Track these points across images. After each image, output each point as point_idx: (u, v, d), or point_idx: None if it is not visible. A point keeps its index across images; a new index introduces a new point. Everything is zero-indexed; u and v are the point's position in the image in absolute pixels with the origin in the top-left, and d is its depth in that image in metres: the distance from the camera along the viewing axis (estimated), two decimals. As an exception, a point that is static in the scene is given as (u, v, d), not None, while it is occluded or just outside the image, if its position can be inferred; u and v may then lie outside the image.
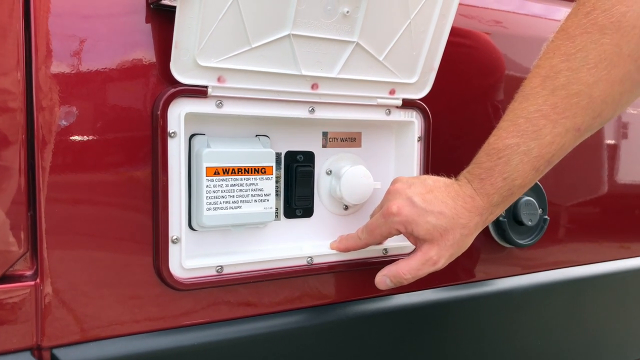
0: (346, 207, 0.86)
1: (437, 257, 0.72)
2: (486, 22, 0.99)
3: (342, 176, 0.82)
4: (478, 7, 0.99)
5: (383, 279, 0.77)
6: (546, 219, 1.00)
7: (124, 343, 0.68)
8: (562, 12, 1.12)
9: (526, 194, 0.98)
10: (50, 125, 0.63)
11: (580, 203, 1.12)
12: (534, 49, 1.03)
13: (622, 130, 1.17)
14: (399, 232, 0.75)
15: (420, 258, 0.73)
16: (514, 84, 1.00)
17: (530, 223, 0.97)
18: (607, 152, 1.15)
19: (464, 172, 0.75)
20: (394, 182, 0.78)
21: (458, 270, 0.96)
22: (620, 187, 1.17)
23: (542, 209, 1.00)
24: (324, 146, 0.83)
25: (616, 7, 0.62)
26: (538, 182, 1.00)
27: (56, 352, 0.65)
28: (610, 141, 1.15)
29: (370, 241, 0.79)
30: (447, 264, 0.74)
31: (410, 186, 0.75)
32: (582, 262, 1.12)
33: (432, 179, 0.75)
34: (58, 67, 0.64)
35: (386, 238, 0.79)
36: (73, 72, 0.64)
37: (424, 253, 0.73)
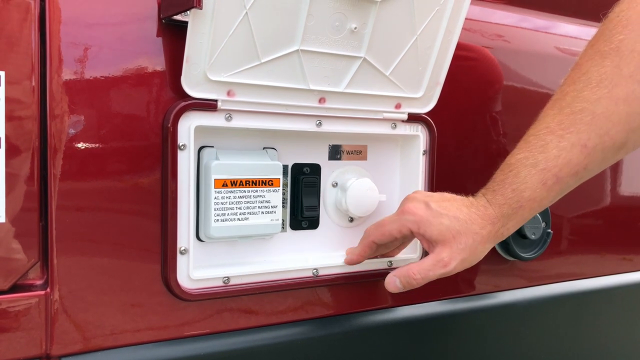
0: (351, 220, 0.87)
1: (448, 258, 0.73)
2: (489, 36, 1.00)
3: (348, 189, 0.83)
4: (480, 21, 1.00)
5: (393, 279, 0.77)
6: (549, 232, 1.01)
7: (131, 352, 0.69)
8: (562, 27, 1.14)
9: (530, 208, 0.99)
10: (63, 133, 0.64)
11: (583, 216, 1.12)
12: (535, 63, 1.04)
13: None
14: (410, 232, 0.76)
15: (432, 259, 0.74)
16: (518, 97, 1.01)
17: (533, 236, 0.98)
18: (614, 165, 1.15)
19: (481, 189, 0.77)
20: (412, 193, 0.81)
21: (462, 283, 0.97)
22: (623, 199, 1.18)
23: (546, 223, 1.00)
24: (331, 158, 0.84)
25: (615, 36, 0.69)
26: (542, 196, 1.01)
27: (65, 361, 0.65)
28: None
29: (377, 237, 0.78)
30: (458, 270, 0.74)
31: (428, 195, 0.78)
32: (586, 275, 1.12)
33: (450, 194, 0.78)
34: (72, 77, 0.65)
35: (394, 236, 0.78)
36: (86, 82, 0.66)
37: (435, 254, 0.74)
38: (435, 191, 0.88)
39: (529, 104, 1.03)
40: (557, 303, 1.07)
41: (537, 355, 1.05)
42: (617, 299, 1.15)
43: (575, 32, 1.15)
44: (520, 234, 0.97)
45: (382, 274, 0.85)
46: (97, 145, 0.67)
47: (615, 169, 1.16)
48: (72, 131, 0.65)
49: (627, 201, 1.19)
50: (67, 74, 0.65)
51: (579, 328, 1.10)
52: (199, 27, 0.65)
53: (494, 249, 0.99)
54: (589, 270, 1.13)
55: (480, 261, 0.98)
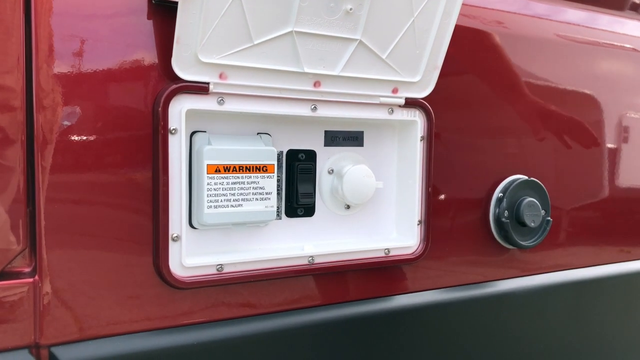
0: (348, 207, 0.85)
1: None
2: (489, 23, 0.99)
3: (344, 175, 0.81)
4: (481, 7, 0.98)
5: None
6: (549, 220, 0.99)
7: (123, 342, 0.67)
8: (566, 13, 1.12)
9: (529, 196, 0.98)
10: (50, 123, 0.63)
11: (582, 205, 1.11)
12: (537, 50, 1.03)
13: (624, 134, 1.16)
14: None
15: None
16: (519, 84, 1.00)
17: (533, 224, 0.96)
18: (609, 155, 1.14)
19: None
20: None
21: (460, 272, 0.96)
22: (621, 190, 1.16)
23: (545, 211, 0.99)
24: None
25: None
26: (541, 183, 0.99)
27: (54, 350, 0.64)
28: (612, 145, 1.14)
29: None
30: None
31: None
32: (584, 264, 1.11)
33: None
34: (58, 65, 0.63)
35: None
36: (73, 70, 0.64)
37: None
38: (432, 179, 0.87)
39: (528, 91, 1.01)
40: (556, 292, 1.05)
41: (535, 344, 1.03)
42: (616, 289, 1.14)
43: (578, 19, 1.13)
44: (519, 221, 0.96)
45: (378, 262, 0.84)
46: (86, 133, 0.65)
47: (614, 159, 1.15)
48: (62, 121, 0.63)
49: (626, 192, 1.18)
50: (54, 62, 0.63)
51: (578, 317, 1.08)
52: (190, 7, 0.63)
53: (493, 238, 0.97)
54: (587, 260, 1.12)
55: (480, 250, 0.97)
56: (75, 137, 0.64)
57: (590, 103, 1.10)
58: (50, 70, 0.63)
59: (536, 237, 0.99)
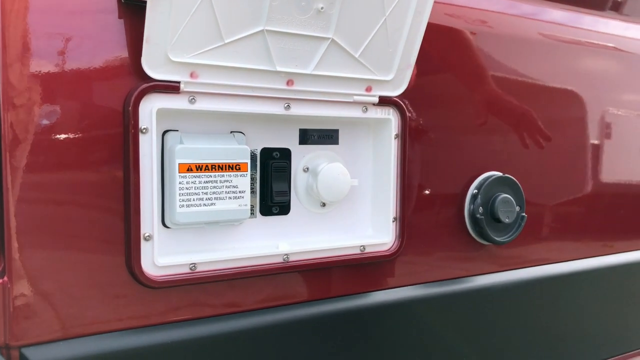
0: (323, 205, 0.86)
1: None
2: (465, 21, 0.99)
3: (319, 173, 0.82)
4: (458, 5, 0.99)
5: None
6: (523, 216, 1.01)
7: (95, 342, 0.67)
8: (547, 13, 1.13)
9: (504, 192, 0.99)
10: (20, 123, 0.62)
11: (557, 201, 1.12)
12: (516, 49, 1.04)
13: (599, 130, 1.18)
14: None
15: None
16: (494, 82, 1.01)
17: (507, 220, 0.97)
18: (584, 152, 1.16)
19: None
20: None
21: (436, 268, 0.97)
22: (596, 186, 1.18)
23: (520, 207, 1.00)
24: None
25: None
26: (515, 180, 1.00)
27: (25, 351, 0.64)
28: (587, 141, 1.16)
29: None
30: None
31: None
32: (560, 259, 1.12)
33: None
34: (28, 64, 0.63)
35: None
36: (43, 69, 0.64)
37: None
38: (406, 176, 0.87)
39: (503, 88, 1.02)
40: (532, 287, 1.07)
41: (512, 339, 1.05)
42: (592, 283, 1.16)
43: (560, 18, 1.14)
44: (494, 217, 0.97)
45: (354, 260, 0.84)
46: (56, 132, 0.64)
47: (593, 155, 1.17)
48: (33, 120, 0.63)
49: (602, 187, 1.19)
50: (23, 61, 0.62)
51: (554, 312, 1.10)
52: (159, 6, 0.63)
53: (468, 234, 0.98)
54: (563, 255, 1.13)
55: (455, 246, 0.98)
56: (45, 137, 0.64)
57: (566, 100, 1.12)
58: (19, 69, 0.62)
59: (511, 233, 1.00)
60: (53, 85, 0.64)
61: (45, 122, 0.64)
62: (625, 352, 1.24)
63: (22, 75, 0.63)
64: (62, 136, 0.65)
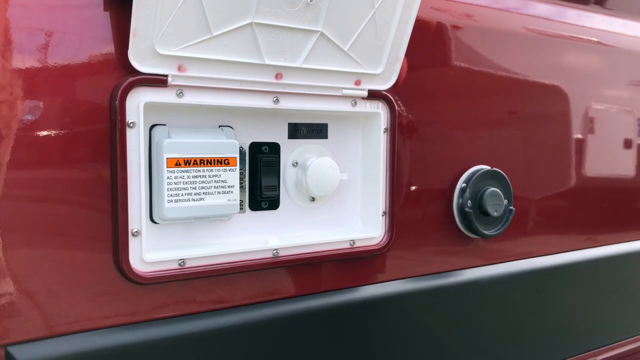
0: (313, 199, 0.85)
1: None
2: (454, 15, 0.99)
3: (309, 168, 0.81)
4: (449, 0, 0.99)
5: None
6: (512, 209, 1.01)
7: (82, 339, 0.66)
8: (534, 7, 1.13)
9: (492, 185, 0.99)
10: (1, 119, 0.61)
11: (545, 195, 1.13)
12: (502, 43, 1.04)
13: (587, 125, 1.19)
14: None
15: None
16: (483, 76, 1.01)
17: (495, 214, 0.98)
18: (572, 146, 1.17)
19: None
20: None
21: (426, 261, 0.97)
22: (584, 180, 1.19)
23: (508, 200, 1.01)
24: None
25: None
26: (503, 174, 1.01)
27: (11, 349, 0.62)
28: (575, 135, 1.17)
29: None
30: None
31: None
32: (548, 252, 1.13)
33: None
34: (12, 58, 0.61)
35: None
36: (28, 63, 0.62)
37: None
38: (395, 170, 0.87)
39: (492, 82, 1.03)
40: (520, 280, 1.08)
41: (499, 332, 1.06)
42: (579, 276, 1.17)
43: (545, 12, 1.15)
44: (482, 211, 0.97)
45: (344, 254, 0.84)
46: (41, 127, 0.63)
47: (579, 149, 1.18)
48: (18, 116, 0.61)
49: (589, 181, 1.20)
50: (7, 55, 0.61)
51: (542, 305, 1.11)
52: (145, -2, 0.62)
53: (456, 227, 0.99)
54: (551, 248, 1.14)
55: (443, 239, 0.98)
56: (29, 132, 0.63)
57: (553, 95, 1.13)
58: (1, 63, 0.61)
59: (499, 227, 1.00)
60: (37, 80, 0.63)
61: (29, 117, 0.63)
62: (610, 344, 1.26)
63: (5, 70, 0.61)
64: (47, 132, 0.64)
